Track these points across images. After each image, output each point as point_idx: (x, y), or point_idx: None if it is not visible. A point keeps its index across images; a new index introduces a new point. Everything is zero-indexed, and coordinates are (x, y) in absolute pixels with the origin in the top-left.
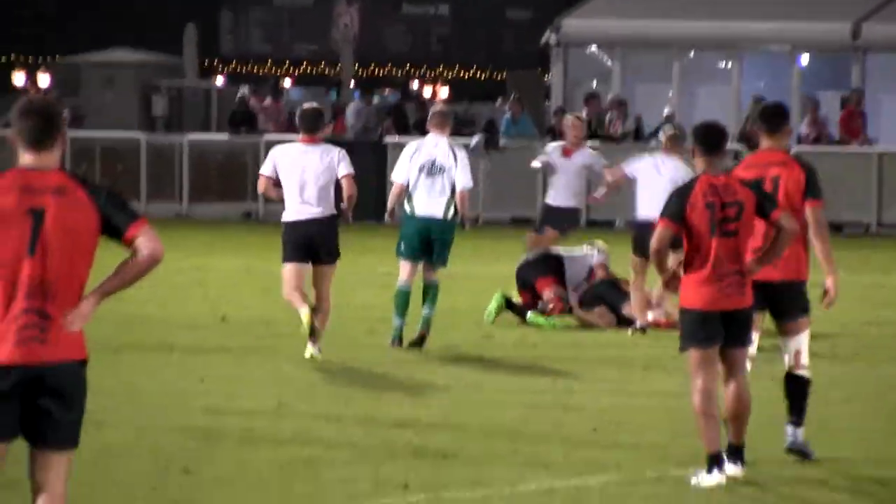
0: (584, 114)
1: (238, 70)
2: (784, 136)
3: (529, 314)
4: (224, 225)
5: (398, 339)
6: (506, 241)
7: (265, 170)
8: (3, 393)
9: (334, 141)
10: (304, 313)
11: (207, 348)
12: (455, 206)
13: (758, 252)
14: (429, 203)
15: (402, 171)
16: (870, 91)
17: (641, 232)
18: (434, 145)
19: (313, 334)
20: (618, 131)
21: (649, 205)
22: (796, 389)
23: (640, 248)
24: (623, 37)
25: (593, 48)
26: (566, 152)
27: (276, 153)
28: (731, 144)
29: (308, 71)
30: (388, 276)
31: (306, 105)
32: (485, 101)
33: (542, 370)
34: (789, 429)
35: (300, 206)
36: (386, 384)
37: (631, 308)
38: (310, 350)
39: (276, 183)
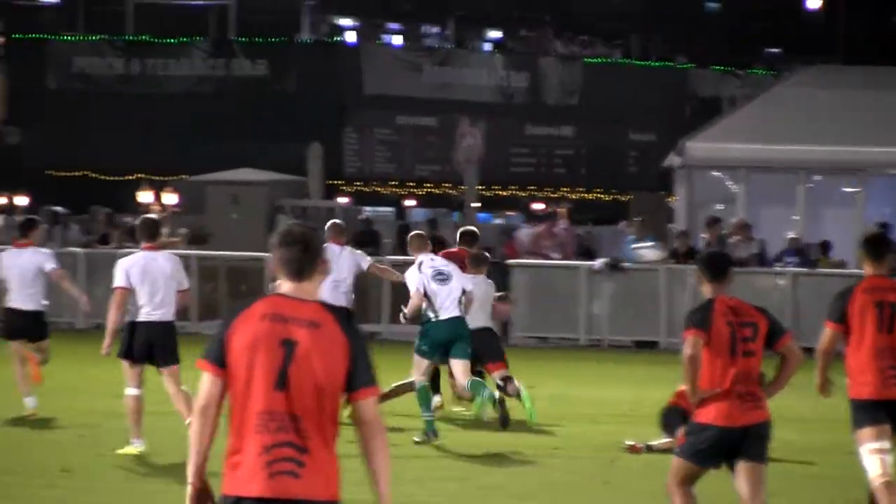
0: (707, 237)
1: (361, 189)
2: (886, 264)
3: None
4: None
5: (434, 432)
6: (626, 365)
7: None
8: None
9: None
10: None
11: None
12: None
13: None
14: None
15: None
16: None
17: None
18: (431, 259)
19: None
20: (742, 255)
21: None
22: None
23: None
24: (747, 159)
25: (716, 171)
26: None
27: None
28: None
29: (431, 191)
30: None
31: (146, 215)
32: (608, 224)
33: None
34: None
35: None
36: None
37: None
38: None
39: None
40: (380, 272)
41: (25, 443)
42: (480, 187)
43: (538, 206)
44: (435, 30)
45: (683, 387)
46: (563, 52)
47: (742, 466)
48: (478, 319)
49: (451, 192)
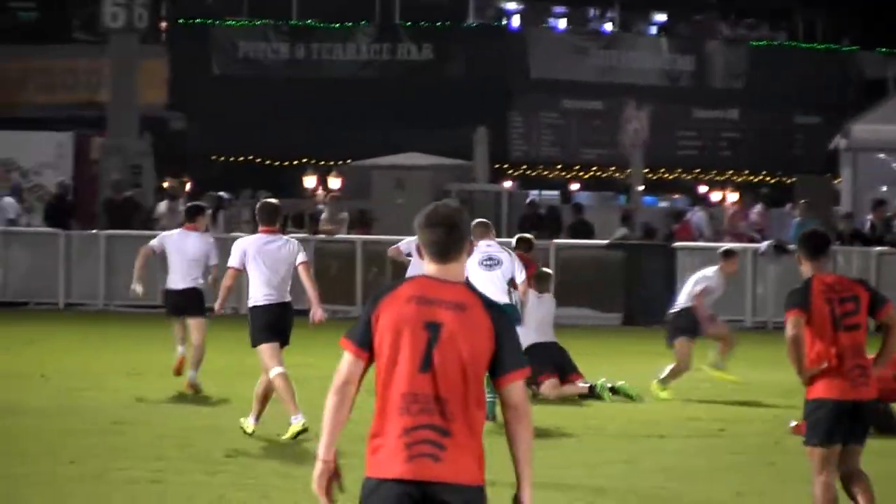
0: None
1: (527, 173)
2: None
3: None
4: None
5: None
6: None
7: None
8: None
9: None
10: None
11: None
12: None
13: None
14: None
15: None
16: None
17: None
18: (487, 245)
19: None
20: None
21: None
22: None
23: None
24: None
25: (882, 154)
26: None
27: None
28: None
29: (596, 175)
30: None
31: (266, 199)
32: (774, 206)
33: None
34: None
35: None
36: None
37: None
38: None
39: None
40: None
41: (188, 430)
42: (646, 171)
43: (703, 189)
44: (601, 13)
45: None
46: (729, 35)
47: (845, 449)
48: (546, 335)
49: (616, 175)
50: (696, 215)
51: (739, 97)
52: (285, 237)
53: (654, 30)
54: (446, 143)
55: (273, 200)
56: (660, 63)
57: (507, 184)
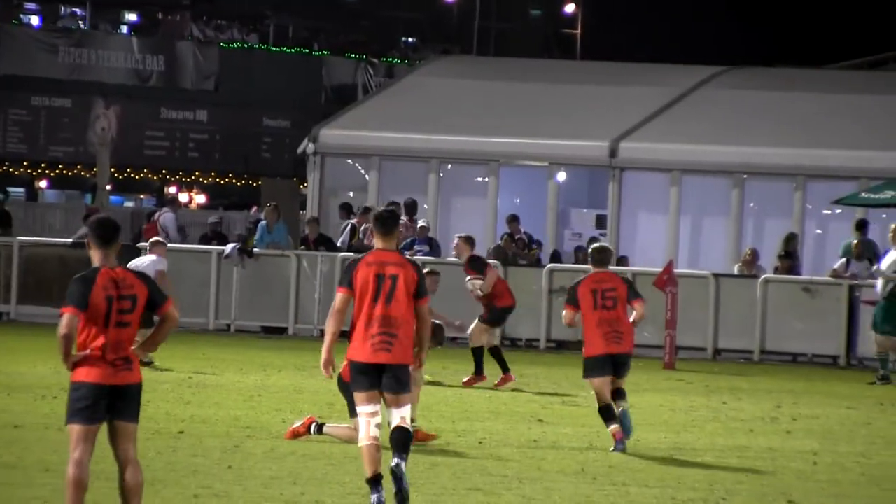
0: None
1: None
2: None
3: None
4: None
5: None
6: (254, 351)
7: None
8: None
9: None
10: None
11: None
12: None
13: None
14: None
15: None
16: (626, 208)
17: None
18: None
19: None
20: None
21: None
22: None
23: None
24: (381, 147)
25: (350, 159)
26: None
27: None
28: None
29: (64, 173)
30: None
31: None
32: (240, 209)
33: None
34: None
35: None
36: None
37: None
38: None
39: None
40: None
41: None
42: (113, 170)
43: (172, 190)
44: (74, 11)
45: None
46: (199, 36)
47: None
48: None
49: (83, 174)
50: (165, 216)
51: (209, 98)
52: None
53: (125, 29)
54: None
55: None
56: (131, 62)
57: None
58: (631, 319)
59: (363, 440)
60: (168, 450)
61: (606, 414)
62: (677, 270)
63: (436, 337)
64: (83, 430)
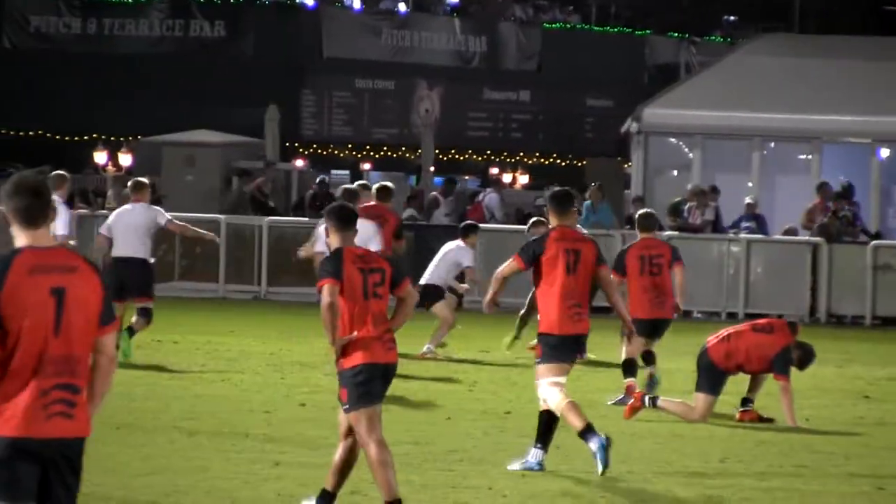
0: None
1: (318, 152)
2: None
3: None
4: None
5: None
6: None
7: None
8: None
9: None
10: None
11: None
12: None
13: None
14: None
15: None
16: None
17: None
18: None
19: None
20: (696, 221)
21: None
22: None
23: None
24: (704, 126)
25: (672, 138)
26: None
27: None
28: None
29: (388, 155)
30: None
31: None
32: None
33: None
34: None
35: None
36: None
37: None
38: None
39: None
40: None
41: None
42: (437, 151)
43: (495, 171)
44: None
45: None
46: (521, 16)
47: None
48: None
49: (407, 156)
50: (489, 196)
51: (532, 79)
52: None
53: (447, 10)
54: (238, 120)
55: (60, 172)
56: (453, 44)
57: (299, 162)
58: (677, 295)
59: (563, 401)
60: (495, 430)
61: (629, 369)
62: None
63: None
64: (372, 411)
